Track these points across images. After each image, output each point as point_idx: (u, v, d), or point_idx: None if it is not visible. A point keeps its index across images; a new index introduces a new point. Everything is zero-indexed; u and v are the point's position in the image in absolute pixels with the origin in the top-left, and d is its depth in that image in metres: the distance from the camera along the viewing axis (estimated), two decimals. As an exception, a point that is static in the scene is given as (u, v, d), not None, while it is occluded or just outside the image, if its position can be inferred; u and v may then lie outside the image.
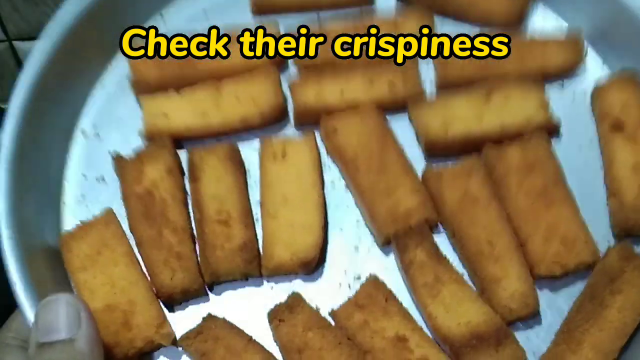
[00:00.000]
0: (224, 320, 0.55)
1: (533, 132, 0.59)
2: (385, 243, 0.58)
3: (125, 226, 0.57)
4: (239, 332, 0.55)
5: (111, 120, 0.63)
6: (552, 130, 0.60)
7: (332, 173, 0.61)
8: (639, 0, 0.60)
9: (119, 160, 0.59)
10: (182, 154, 0.61)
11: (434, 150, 0.59)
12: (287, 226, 0.57)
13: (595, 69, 0.64)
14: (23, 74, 0.59)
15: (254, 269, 0.56)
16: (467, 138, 0.59)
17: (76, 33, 0.61)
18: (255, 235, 0.58)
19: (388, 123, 0.60)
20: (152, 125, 0.60)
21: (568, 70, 0.63)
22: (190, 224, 0.58)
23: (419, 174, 0.59)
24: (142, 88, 0.62)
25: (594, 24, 0.64)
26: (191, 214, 0.59)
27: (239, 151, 0.60)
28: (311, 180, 0.58)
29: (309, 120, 0.61)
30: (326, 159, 0.61)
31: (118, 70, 0.64)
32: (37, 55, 0.59)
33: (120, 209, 0.58)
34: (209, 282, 0.57)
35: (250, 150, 0.61)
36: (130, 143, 0.61)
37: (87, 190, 0.61)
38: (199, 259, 0.57)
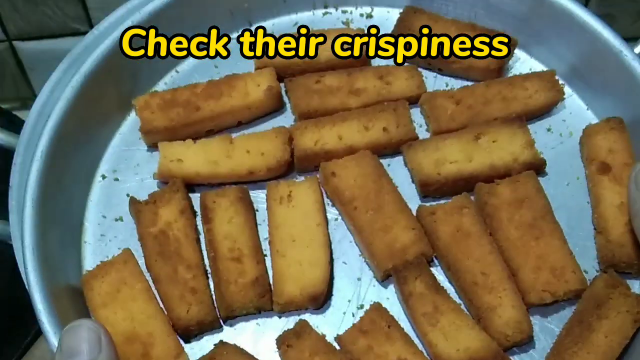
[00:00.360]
0: (234, 346, 0.58)
1: (522, 171, 0.63)
2: (384, 278, 0.62)
3: (142, 264, 0.61)
4: (250, 358, 0.58)
5: (129, 166, 0.67)
6: (538, 167, 0.64)
7: (334, 210, 0.65)
8: (611, 39, 0.65)
9: (134, 204, 0.63)
10: (194, 197, 0.65)
11: (428, 189, 0.64)
12: (296, 264, 0.61)
13: (579, 111, 0.69)
14: (49, 120, 0.63)
15: (266, 302, 0.60)
16: (459, 177, 0.63)
17: (96, 84, 0.66)
18: (266, 270, 0.61)
19: (383, 166, 0.65)
20: (166, 169, 0.65)
21: (550, 107, 0.68)
22: (203, 261, 0.62)
23: (414, 212, 0.63)
24: (152, 136, 0.67)
25: (572, 66, 0.69)
26: (204, 253, 0.63)
27: (248, 192, 0.65)
28: (316, 220, 0.62)
29: (310, 164, 0.66)
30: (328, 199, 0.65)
31: (136, 120, 0.68)
32: (61, 104, 0.64)
33: (137, 247, 0.62)
34: (224, 317, 0.60)
35: (257, 190, 0.66)
36: (145, 186, 0.66)
37: (106, 230, 0.65)
38: (214, 295, 0.61)
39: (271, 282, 0.61)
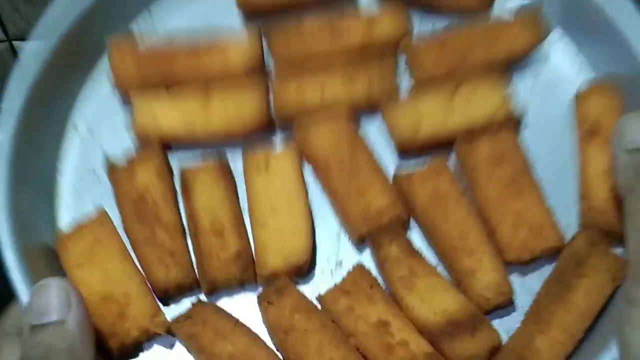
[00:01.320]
0: (212, 305, 0.59)
1: (501, 126, 0.62)
2: (359, 241, 0.61)
3: (118, 226, 0.61)
4: (227, 315, 0.59)
5: (102, 117, 0.66)
6: (517, 122, 0.62)
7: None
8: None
9: (111, 168, 0.63)
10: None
11: (407, 150, 0.62)
12: (278, 234, 0.60)
13: (570, 55, 0.66)
14: (16, 73, 0.62)
15: (249, 276, 0.60)
16: (437, 136, 0.62)
17: (67, 33, 0.63)
18: (249, 243, 0.61)
19: (359, 129, 0.63)
20: (142, 129, 0.63)
21: (535, 47, 0.65)
22: (182, 223, 0.62)
23: (391, 174, 0.62)
24: (124, 87, 0.65)
25: (563, 6, 0.65)
26: (184, 220, 0.62)
27: (229, 165, 0.64)
28: (296, 189, 0.61)
29: (291, 120, 0.64)
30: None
31: (108, 69, 0.66)
32: (29, 55, 0.62)
33: (112, 203, 0.62)
34: (207, 292, 0.60)
35: (237, 158, 0.64)
36: (120, 139, 0.64)
37: (80, 185, 0.64)
38: (196, 270, 0.61)
39: (253, 254, 0.61)
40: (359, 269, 0.59)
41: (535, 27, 0.64)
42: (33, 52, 0.62)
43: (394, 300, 0.58)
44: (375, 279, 0.59)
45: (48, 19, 0.63)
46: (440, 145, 0.62)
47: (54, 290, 0.52)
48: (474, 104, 0.62)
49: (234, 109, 0.63)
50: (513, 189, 0.60)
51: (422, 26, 0.67)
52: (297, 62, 0.64)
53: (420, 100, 0.63)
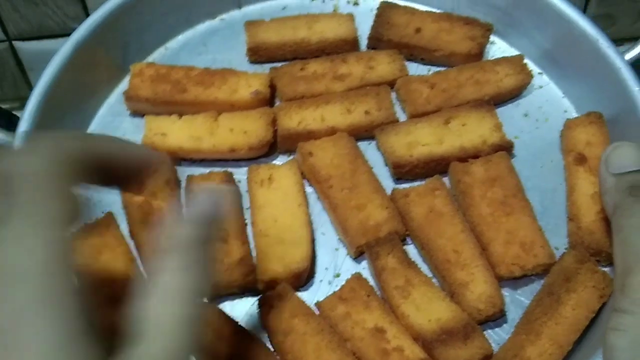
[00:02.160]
0: (213, 306, 0.60)
1: (490, 152, 0.66)
2: (357, 254, 0.63)
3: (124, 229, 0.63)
4: (227, 318, 0.59)
5: (114, 135, 0.68)
6: (506, 149, 0.66)
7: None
8: (588, 28, 0.68)
9: None
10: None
11: (401, 171, 0.66)
12: (279, 243, 0.62)
13: (555, 98, 0.71)
14: (37, 87, 0.65)
15: (251, 281, 0.61)
16: (430, 159, 0.65)
17: (86, 53, 0.68)
18: (250, 251, 0.62)
19: (359, 148, 0.67)
20: (150, 141, 0.66)
21: (521, 89, 0.71)
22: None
23: (388, 193, 0.65)
24: (134, 104, 0.69)
25: (549, 55, 0.72)
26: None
27: (232, 176, 0.66)
28: (297, 201, 0.64)
29: (293, 145, 0.67)
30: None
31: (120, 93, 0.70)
32: (49, 71, 0.65)
33: (120, 212, 0.64)
34: (209, 298, 0.61)
35: (241, 173, 0.67)
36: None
37: (90, 195, 0.65)
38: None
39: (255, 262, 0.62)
40: (357, 277, 0.61)
41: (519, 72, 0.70)
42: (52, 67, 0.65)
43: (390, 308, 0.60)
44: (372, 288, 0.60)
45: (70, 39, 0.67)
46: (433, 169, 0.66)
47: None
48: (467, 129, 0.66)
49: (241, 133, 0.66)
50: (505, 209, 0.63)
51: (418, 71, 0.73)
52: (299, 96, 0.69)
53: (415, 125, 0.67)
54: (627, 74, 0.65)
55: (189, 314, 0.40)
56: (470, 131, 0.67)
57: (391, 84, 0.70)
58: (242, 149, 0.66)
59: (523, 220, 0.62)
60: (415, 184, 0.66)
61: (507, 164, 0.65)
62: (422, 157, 0.65)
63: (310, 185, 0.67)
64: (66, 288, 0.36)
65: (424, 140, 0.66)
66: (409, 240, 0.64)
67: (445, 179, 0.66)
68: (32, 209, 0.37)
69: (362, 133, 0.68)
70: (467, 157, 0.66)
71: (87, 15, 0.85)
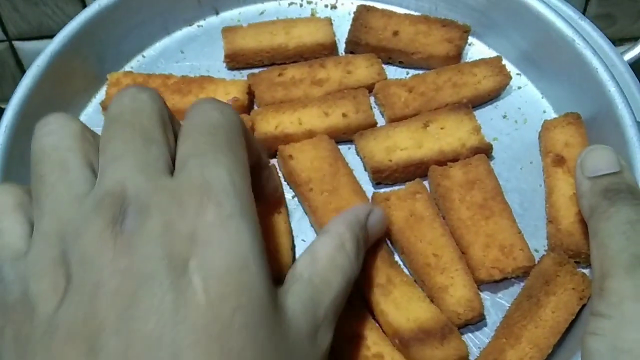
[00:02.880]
0: None
1: (469, 155, 0.66)
2: None
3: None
4: None
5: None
6: (485, 151, 0.66)
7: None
8: (564, 29, 0.68)
9: None
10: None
11: (380, 176, 0.66)
12: None
13: (534, 99, 0.71)
14: (14, 97, 0.64)
15: None
16: (409, 163, 0.65)
17: (62, 63, 0.67)
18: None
19: (339, 151, 0.67)
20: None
21: (499, 91, 0.71)
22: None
23: (371, 194, 0.65)
24: None
25: (527, 56, 0.72)
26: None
27: None
28: (277, 209, 0.63)
29: (271, 148, 0.67)
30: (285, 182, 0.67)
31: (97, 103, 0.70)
32: (26, 81, 0.65)
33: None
34: None
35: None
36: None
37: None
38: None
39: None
40: None
41: (497, 73, 0.70)
42: (29, 78, 0.65)
43: (369, 306, 0.60)
44: (352, 293, 0.60)
45: (45, 51, 0.67)
46: (412, 173, 0.66)
47: None
48: (445, 132, 0.66)
49: None
50: (484, 212, 0.63)
51: (397, 75, 0.73)
52: (277, 102, 0.69)
53: (394, 129, 0.67)
54: (603, 75, 0.65)
55: None
56: (448, 134, 0.66)
57: (369, 88, 0.70)
58: None
59: (502, 223, 0.62)
60: (396, 187, 0.65)
61: (485, 167, 0.65)
62: (401, 161, 0.65)
63: (291, 188, 0.66)
64: (253, 205, 0.43)
65: (403, 144, 0.66)
66: (388, 243, 0.64)
67: (426, 183, 0.66)
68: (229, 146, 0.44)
69: (340, 136, 0.68)
70: (446, 160, 0.66)
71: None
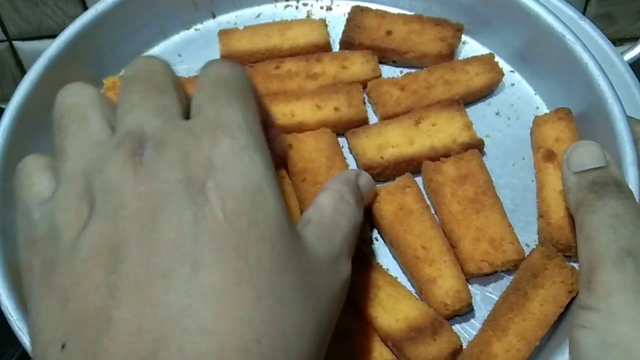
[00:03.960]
0: None
1: (461, 151, 0.66)
2: None
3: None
4: None
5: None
6: (477, 147, 0.67)
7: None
8: (555, 24, 0.68)
9: None
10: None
11: (372, 173, 0.66)
12: None
13: (527, 96, 0.72)
14: (11, 102, 0.66)
15: None
16: (401, 159, 0.66)
17: (60, 68, 0.69)
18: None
19: (339, 145, 0.67)
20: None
21: (491, 88, 0.71)
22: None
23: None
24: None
25: (520, 53, 0.72)
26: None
27: None
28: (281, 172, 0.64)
29: None
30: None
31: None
32: (24, 86, 0.67)
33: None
34: None
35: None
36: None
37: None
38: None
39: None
40: None
41: (490, 70, 0.71)
42: (26, 83, 0.67)
43: (358, 310, 0.60)
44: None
45: (43, 55, 0.69)
46: (404, 170, 0.66)
47: None
48: (437, 128, 0.67)
49: None
50: (475, 207, 0.63)
51: (390, 74, 0.73)
52: (272, 94, 0.70)
53: (385, 126, 0.68)
54: (594, 69, 0.65)
55: None
56: (440, 131, 0.67)
57: (364, 84, 0.71)
58: None
59: (493, 217, 0.63)
60: (387, 183, 0.66)
61: (478, 162, 0.65)
62: (392, 158, 0.66)
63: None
64: (265, 143, 0.45)
65: (394, 141, 0.67)
66: (378, 237, 0.65)
67: (418, 179, 0.66)
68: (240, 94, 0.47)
69: (332, 129, 0.68)
70: (438, 156, 0.66)
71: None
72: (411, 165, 0.66)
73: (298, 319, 0.40)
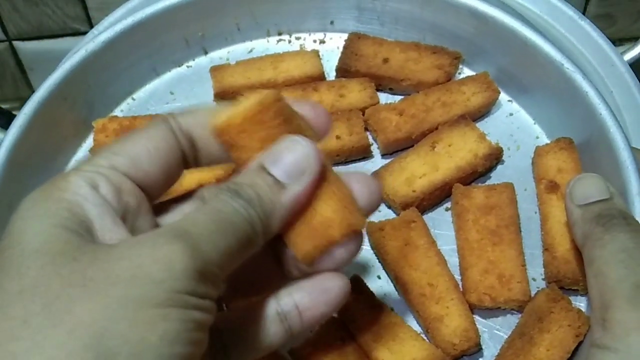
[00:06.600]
0: None
1: (486, 164, 0.65)
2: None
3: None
4: None
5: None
6: (498, 154, 0.66)
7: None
8: (552, 53, 0.67)
9: None
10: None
11: (408, 207, 0.64)
12: None
13: (526, 125, 0.71)
14: (1, 147, 0.64)
15: None
16: (433, 187, 0.65)
17: (50, 111, 0.67)
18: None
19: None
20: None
21: (489, 106, 0.71)
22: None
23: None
24: None
25: (518, 82, 0.71)
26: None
27: None
28: None
29: None
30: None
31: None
32: (13, 131, 0.65)
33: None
34: None
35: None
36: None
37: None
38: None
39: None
40: (331, 321, 0.59)
41: (486, 89, 0.70)
42: (17, 127, 0.65)
43: (364, 352, 0.58)
44: (347, 332, 0.59)
45: (33, 98, 0.66)
46: (439, 196, 0.65)
47: None
48: (454, 148, 0.66)
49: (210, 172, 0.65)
50: (493, 239, 0.62)
51: (388, 101, 0.72)
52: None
53: (404, 159, 0.66)
54: (594, 98, 0.64)
55: None
56: (459, 149, 0.66)
57: (362, 111, 0.70)
58: (210, 181, 0.64)
59: (508, 253, 0.61)
60: (391, 216, 0.65)
61: (509, 195, 0.64)
62: (424, 189, 0.65)
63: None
64: None
65: (419, 171, 0.65)
66: (383, 274, 0.63)
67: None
68: None
69: (334, 158, 0.67)
70: (466, 175, 0.65)
71: (87, 15, 0.86)
72: (444, 191, 0.65)
73: None
